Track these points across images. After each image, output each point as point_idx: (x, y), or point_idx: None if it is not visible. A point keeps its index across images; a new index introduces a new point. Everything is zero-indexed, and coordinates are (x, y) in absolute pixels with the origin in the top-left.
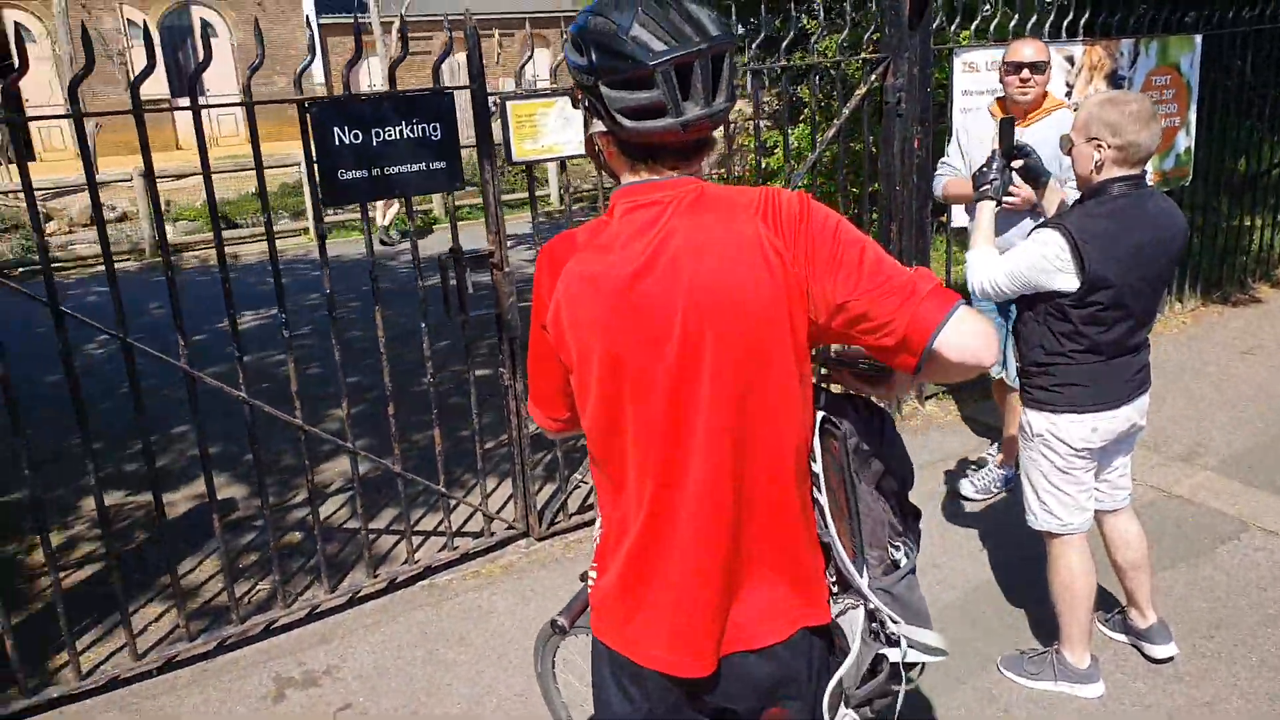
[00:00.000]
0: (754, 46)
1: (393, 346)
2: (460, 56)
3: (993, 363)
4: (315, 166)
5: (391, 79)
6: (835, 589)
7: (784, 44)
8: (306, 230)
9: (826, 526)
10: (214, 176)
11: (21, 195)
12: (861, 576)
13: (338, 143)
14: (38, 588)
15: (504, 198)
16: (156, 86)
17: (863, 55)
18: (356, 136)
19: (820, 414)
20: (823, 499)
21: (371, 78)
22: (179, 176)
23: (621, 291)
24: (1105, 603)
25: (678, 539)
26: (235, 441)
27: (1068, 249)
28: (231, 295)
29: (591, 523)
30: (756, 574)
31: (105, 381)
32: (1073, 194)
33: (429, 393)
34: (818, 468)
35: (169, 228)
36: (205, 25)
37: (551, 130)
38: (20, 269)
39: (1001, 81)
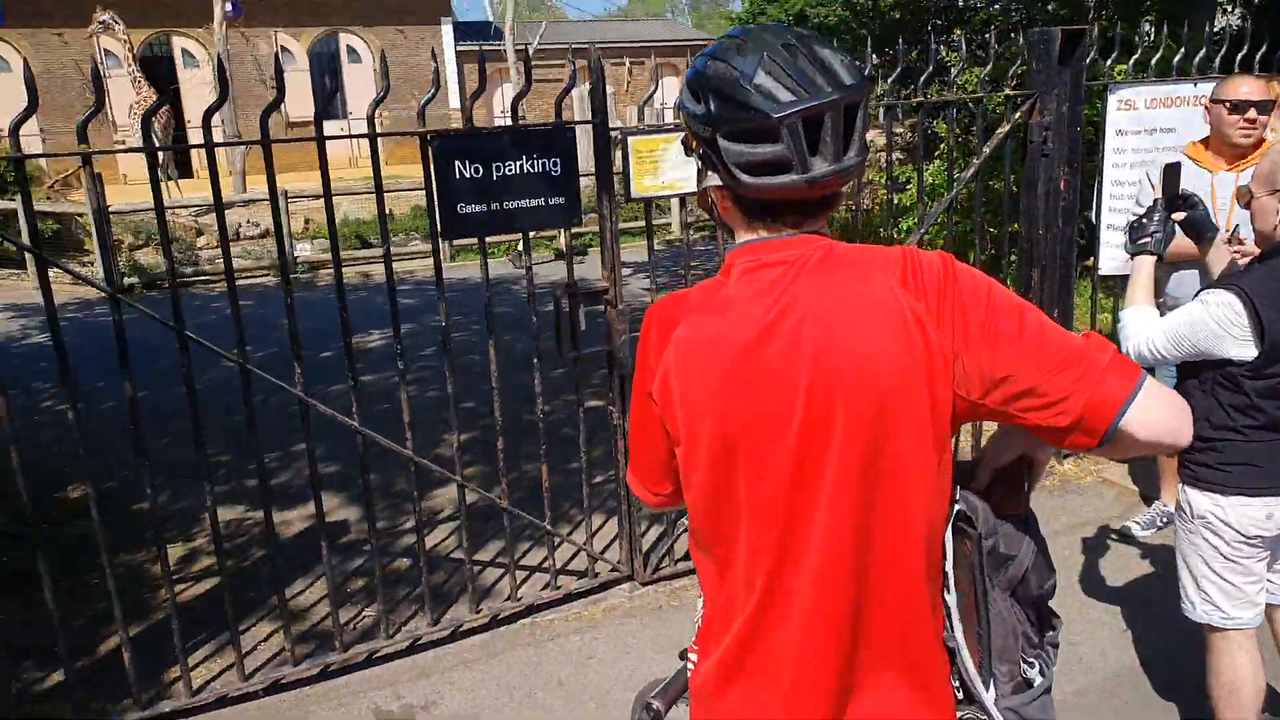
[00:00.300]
0: (889, 80)
1: (510, 373)
2: (586, 87)
3: (1189, 441)
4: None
5: (514, 112)
6: (959, 695)
7: (921, 78)
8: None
9: (953, 631)
10: (355, 197)
11: (178, 212)
12: (988, 691)
13: (458, 176)
14: (161, 598)
15: (623, 225)
16: (304, 109)
17: (1006, 91)
18: (477, 170)
19: (954, 508)
20: (951, 600)
21: (504, 103)
22: (317, 196)
23: (739, 360)
24: (1274, 704)
25: (790, 630)
26: (352, 462)
27: (1244, 313)
28: (348, 324)
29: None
30: (876, 673)
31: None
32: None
33: (539, 425)
34: (948, 566)
35: (308, 245)
36: (350, 50)
37: (673, 166)
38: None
39: (1212, 120)
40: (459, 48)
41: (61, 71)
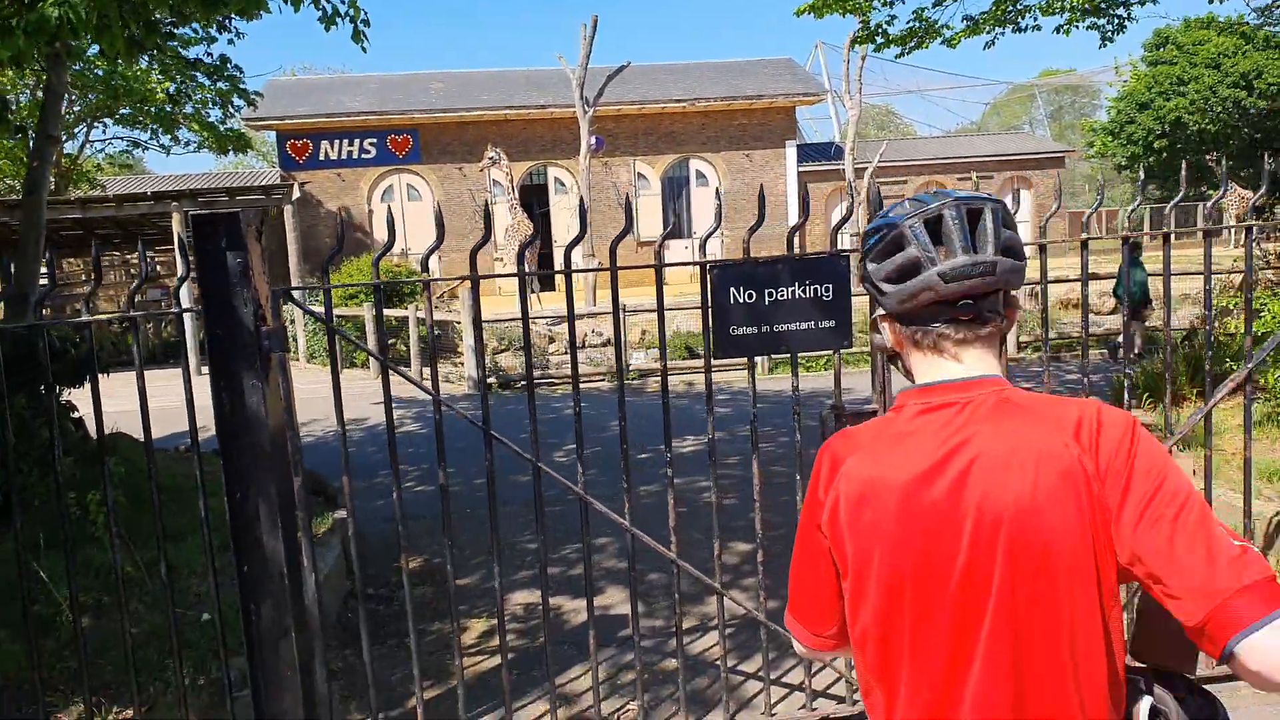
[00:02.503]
0: (1253, 204)
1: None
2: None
3: None
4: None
5: (789, 244)
6: None
7: None
8: (757, 364)
9: None
10: (684, 311)
11: (535, 321)
12: None
13: (732, 301)
14: (463, 664)
15: None
16: (654, 229)
17: None
18: (750, 295)
19: (1148, 702)
20: None
21: (850, 221)
22: (651, 310)
23: (905, 496)
24: None
25: None
26: (646, 560)
27: None
28: (626, 432)
29: None
30: None
31: (555, 482)
32: None
33: None
34: None
35: (642, 354)
36: (699, 175)
37: None
38: (521, 382)
39: None
40: (801, 169)
41: (458, 199)
